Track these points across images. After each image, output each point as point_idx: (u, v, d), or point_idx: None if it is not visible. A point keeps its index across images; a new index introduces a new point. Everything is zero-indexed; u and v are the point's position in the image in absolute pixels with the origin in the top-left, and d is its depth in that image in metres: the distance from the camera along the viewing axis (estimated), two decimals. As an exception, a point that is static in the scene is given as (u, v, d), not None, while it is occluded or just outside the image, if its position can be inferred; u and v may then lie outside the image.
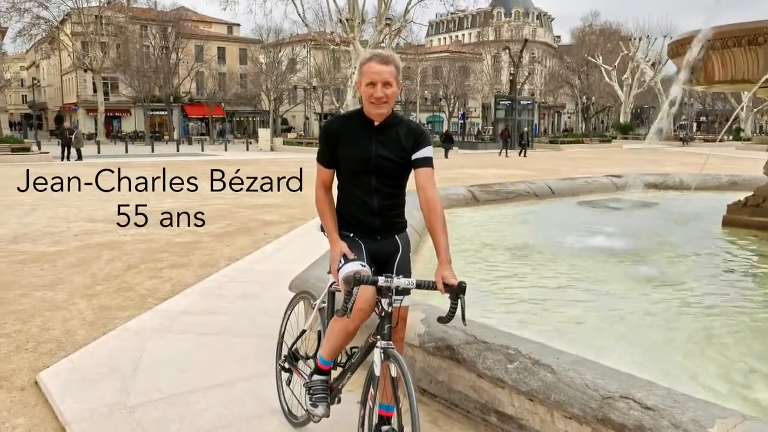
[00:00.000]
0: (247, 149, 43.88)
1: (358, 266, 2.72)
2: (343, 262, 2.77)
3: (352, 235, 2.89)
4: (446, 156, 34.34)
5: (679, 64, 8.04)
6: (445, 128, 60.41)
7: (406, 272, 2.91)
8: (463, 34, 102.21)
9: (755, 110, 70.95)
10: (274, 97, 64.95)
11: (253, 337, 4.68)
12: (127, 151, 37.25)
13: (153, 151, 38.46)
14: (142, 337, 4.70)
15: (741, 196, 11.99)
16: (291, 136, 59.08)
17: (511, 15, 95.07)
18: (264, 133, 47.21)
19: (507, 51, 64.33)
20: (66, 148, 28.83)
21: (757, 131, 79.71)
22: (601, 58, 68.31)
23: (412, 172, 2.83)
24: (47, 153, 29.50)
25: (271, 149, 43.34)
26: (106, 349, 4.46)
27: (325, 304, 3.18)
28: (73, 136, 29.14)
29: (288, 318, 3.54)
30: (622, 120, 70.45)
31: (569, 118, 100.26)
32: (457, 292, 2.52)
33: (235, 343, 4.55)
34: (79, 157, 28.54)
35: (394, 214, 2.93)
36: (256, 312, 5.29)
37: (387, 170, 2.80)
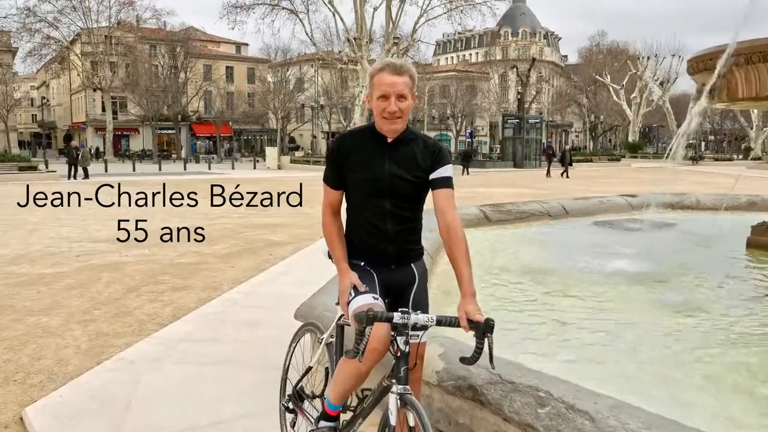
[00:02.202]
0: (254, 167, 43.82)
1: (370, 299, 2.44)
2: (353, 294, 2.49)
3: (363, 263, 2.61)
4: (467, 173, 35.57)
5: (699, 80, 7.77)
6: (454, 147, 60.36)
7: (424, 305, 2.63)
8: (471, 54, 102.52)
9: (765, 129, 70.54)
10: (282, 116, 65.08)
11: (257, 369, 4.38)
12: (134, 170, 37.18)
13: (160, 169, 38.45)
14: (138, 367, 4.40)
15: (762, 216, 11.77)
16: (298, 154, 59.14)
17: (518, 34, 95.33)
18: (271, 152, 47.18)
19: (515, 70, 64.34)
20: (73, 167, 28.75)
21: (767, 150, 79.18)
22: (609, 77, 68.22)
23: (429, 193, 2.56)
24: (54, 172, 29.45)
25: (279, 168, 43.24)
26: (99, 381, 4.17)
27: (334, 339, 2.88)
28: (80, 155, 29.07)
29: (293, 352, 3.24)
30: (630, 139, 70.20)
31: (576, 137, 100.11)
32: (483, 330, 2.22)
33: (236, 375, 4.25)
34: (86, 176, 28.45)
35: (410, 240, 2.64)
36: (259, 340, 4.99)
37: (402, 191, 2.52)
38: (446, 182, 2.51)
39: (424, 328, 2.36)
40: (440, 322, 2.29)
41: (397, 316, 2.25)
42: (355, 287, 2.50)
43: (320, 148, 69.68)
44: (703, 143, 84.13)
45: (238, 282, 7.17)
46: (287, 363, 3.25)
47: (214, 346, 4.87)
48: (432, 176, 2.51)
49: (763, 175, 37.85)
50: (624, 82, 67.20)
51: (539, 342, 4.33)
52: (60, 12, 52.26)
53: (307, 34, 41.47)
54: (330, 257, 2.73)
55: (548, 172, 35.14)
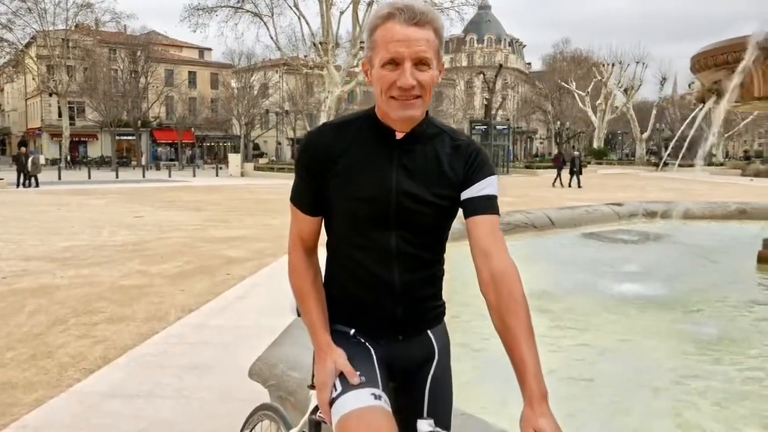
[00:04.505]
0: (217, 175, 42.41)
1: (367, 399, 1.49)
2: (339, 388, 1.54)
3: (352, 332, 1.67)
4: None
5: (705, 79, 7.02)
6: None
7: (446, 395, 1.72)
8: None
9: (726, 135, 71.57)
10: (246, 122, 63.56)
11: (201, 437, 3.38)
12: (90, 177, 35.51)
13: (117, 177, 36.87)
14: (44, 439, 3.37)
15: (749, 224, 11.14)
16: (262, 161, 57.72)
17: (484, 41, 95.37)
18: (234, 159, 45.81)
19: (481, 76, 64.06)
20: (23, 175, 27.11)
21: (726, 156, 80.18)
22: (574, 83, 68.40)
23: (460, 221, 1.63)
24: (1, 179, 27.73)
25: (242, 175, 41.92)
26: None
27: (304, 437, 1.92)
28: (29, 162, 27.41)
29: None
30: (595, 145, 70.40)
31: (541, 143, 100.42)
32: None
33: (173, 450, 3.25)
34: (36, 184, 26.85)
35: (427, 296, 1.70)
36: (208, 394, 3.98)
37: (416, 219, 1.59)
38: (489, 205, 1.58)
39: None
40: None
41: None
42: (341, 376, 1.56)
43: (285, 155, 68.34)
44: (664, 149, 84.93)
45: (187, 310, 6.12)
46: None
47: (149, 403, 3.84)
48: (466, 194, 1.59)
49: (731, 180, 38.02)
50: (589, 89, 67.38)
51: (564, 382, 3.42)
52: (14, 13, 50.24)
53: (271, 38, 40.53)
54: (299, 314, 1.79)
55: (560, 181, 30.89)
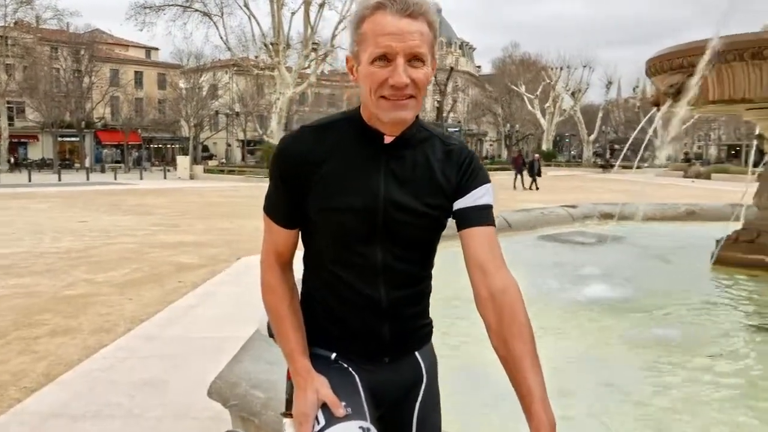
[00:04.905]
0: (165, 177, 41.43)
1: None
2: (323, 422, 1.38)
3: (334, 356, 1.51)
4: None
5: (661, 82, 7.08)
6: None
7: (435, 423, 1.57)
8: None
9: (669, 138, 73.66)
10: (195, 124, 62.38)
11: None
12: (30, 180, 34.22)
13: (60, 179, 35.62)
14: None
15: (700, 225, 11.39)
16: (212, 163, 56.69)
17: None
18: (183, 161, 44.82)
19: (433, 79, 64.46)
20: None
21: (668, 158, 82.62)
22: (523, 87, 69.48)
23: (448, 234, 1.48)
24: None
25: (191, 177, 41.06)
26: None
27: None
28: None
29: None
30: (544, 147, 71.62)
31: (491, 145, 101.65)
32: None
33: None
34: (-28, 188, 25.70)
35: (415, 314, 1.55)
36: (162, 412, 3.75)
37: (405, 231, 1.44)
38: (485, 215, 1.45)
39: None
40: None
41: None
42: (324, 407, 1.39)
43: (235, 157, 67.33)
44: (609, 152, 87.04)
45: (137, 321, 5.83)
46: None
47: (97, 425, 3.58)
48: (460, 204, 1.45)
49: (674, 182, 39.14)
50: (538, 92, 68.56)
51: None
52: (-52, 9, 48.15)
53: (221, 38, 39.86)
54: (274, 339, 1.63)
55: (521, 183, 30.50)
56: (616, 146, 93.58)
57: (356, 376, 1.47)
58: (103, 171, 50.33)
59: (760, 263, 6.86)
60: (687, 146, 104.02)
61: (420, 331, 1.57)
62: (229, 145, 69.58)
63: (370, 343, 1.49)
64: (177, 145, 68.87)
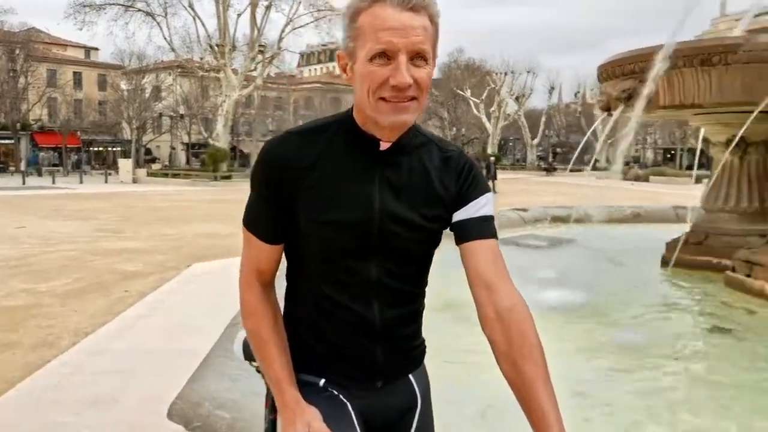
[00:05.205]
0: (106, 181, 40.15)
1: None
2: None
3: (323, 383, 1.38)
4: None
5: (612, 88, 7.18)
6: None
7: None
8: (334, 66, 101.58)
9: (609, 141, 75.77)
10: (137, 126, 60.71)
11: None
12: (-40, 185, 32.68)
13: (-7, 184, 34.13)
14: None
15: (645, 228, 11.67)
16: (155, 167, 55.35)
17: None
18: (125, 164, 43.58)
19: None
20: None
21: (607, 161, 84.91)
22: (469, 91, 70.31)
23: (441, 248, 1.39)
24: None
25: (134, 181, 39.94)
26: None
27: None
28: None
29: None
30: (489, 150, 72.53)
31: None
32: None
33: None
34: None
35: (409, 335, 1.45)
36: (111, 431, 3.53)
37: (402, 245, 1.34)
38: (488, 227, 1.36)
39: None
40: None
41: None
42: None
43: (179, 160, 65.88)
44: (552, 155, 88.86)
45: (83, 333, 5.54)
46: None
47: (43, 448, 3.35)
48: (460, 215, 1.36)
49: (615, 184, 40.14)
50: (483, 97, 69.47)
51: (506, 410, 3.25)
52: None
53: (165, 38, 38.85)
54: (253, 364, 1.50)
55: None
56: (559, 150, 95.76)
57: (348, 404, 1.36)
58: (39, 175, 48.54)
59: (708, 264, 7.03)
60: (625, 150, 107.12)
61: (413, 352, 1.47)
62: (173, 148, 68.09)
63: (362, 366, 1.37)
64: (118, 148, 66.95)
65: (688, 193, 24.25)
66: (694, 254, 7.21)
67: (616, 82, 6.93)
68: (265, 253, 1.37)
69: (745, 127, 5.40)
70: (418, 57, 1.21)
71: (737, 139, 5.64)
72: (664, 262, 7.43)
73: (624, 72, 6.77)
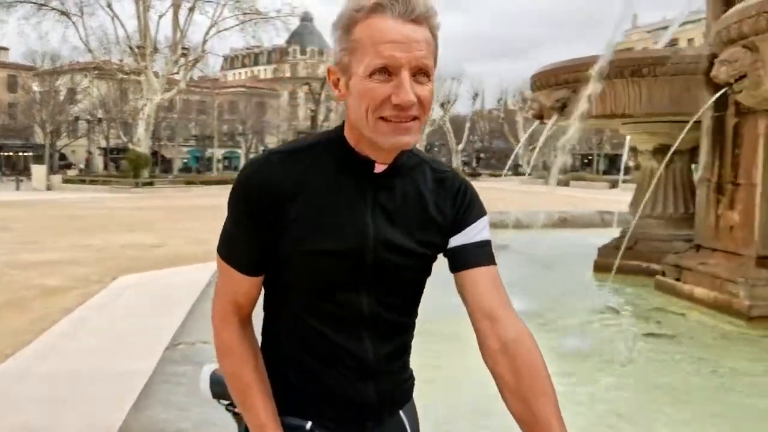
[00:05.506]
0: (18, 188, 38.11)
1: None
2: None
3: (309, 426, 1.27)
4: None
5: (544, 98, 7.35)
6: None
7: None
8: (259, 70, 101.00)
9: (530, 147, 78.14)
10: (51, 130, 57.98)
11: None
12: None
13: None
14: None
15: (573, 233, 12.01)
16: (71, 173, 53.01)
17: (307, 53, 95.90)
18: (39, 170, 41.46)
19: (305, 87, 64.44)
20: None
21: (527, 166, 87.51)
22: (395, 96, 71.06)
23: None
24: None
25: (48, 188, 38.06)
26: None
27: None
28: None
29: None
30: (416, 156, 73.52)
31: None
32: None
33: None
34: None
35: (399, 368, 1.36)
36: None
37: (397, 274, 1.25)
38: (486, 253, 1.29)
39: None
40: None
41: None
42: None
43: (97, 166, 63.34)
44: (476, 160, 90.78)
45: (2, 355, 5.16)
46: None
47: (-34, 488, 3.07)
48: (457, 241, 1.28)
49: (538, 189, 41.32)
50: (409, 102, 70.39)
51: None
52: None
53: (81, 39, 37.25)
54: (223, 402, 1.38)
55: None
56: (482, 155, 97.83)
57: None
58: (-58, 182, 45.64)
59: (638, 269, 7.28)
60: (545, 155, 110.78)
61: (404, 386, 1.38)
62: (90, 153, 65.42)
63: (352, 406, 1.27)
64: (31, 153, 63.74)
65: (606, 198, 25.27)
66: (625, 259, 7.44)
67: (550, 92, 7.09)
68: (245, 286, 1.25)
69: (679, 139, 5.61)
70: (420, 73, 1.13)
71: (672, 150, 5.85)
72: (597, 267, 7.63)
73: (558, 82, 6.94)
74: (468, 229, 1.28)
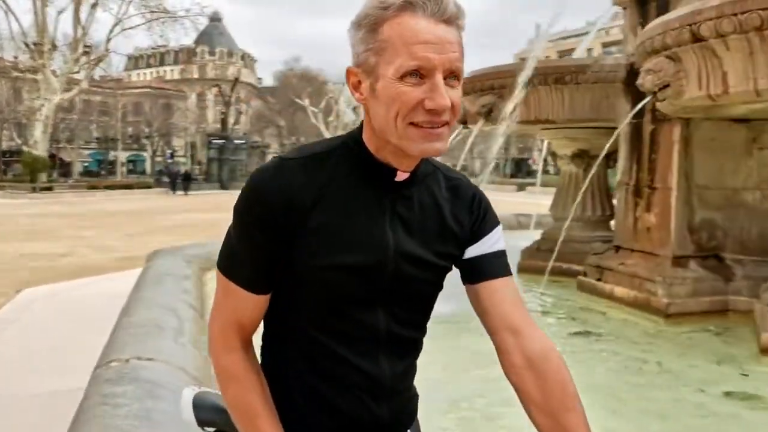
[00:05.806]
0: None
1: None
2: None
3: None
4: (186, 192, 36.95)
5: (468, 103, 7.45)
6: (151, 167, 57.05)
7: None
8: (165, 70, 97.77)
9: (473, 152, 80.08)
10: (-66, 132, 53.92)
11: None
12: None
13: None
14: None
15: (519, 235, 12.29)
16: (-41, 177, 49.45)
17: (216, 54, 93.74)
18: None
19: (214, 89, 63.03)
20: None
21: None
22: (307, 100, 70.59)
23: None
24: None
25: (-66, 194, 35.33)
26: None
27: None
28: None
29: None
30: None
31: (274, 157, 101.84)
32: None
33: None
34: None
35: (409, 386, 1.30)
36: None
37: (415, 288, 1.20)
38: (504, 264, 1.26)
39: None
40: None
41: None
42: None
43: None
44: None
45: None
46: None
47: None
48: (473, 251, 1.24)
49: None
50: (322, 105, 70.12)
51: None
52: None
53: (-31, 34, 34.78)
54: (207, 430, 1.27)
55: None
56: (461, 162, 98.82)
57: None
58: None
59: (559, 270, 7.50)
60: (466, 161, 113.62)
61: (410, 404, 1.32)
62: (-22, 156, 61.23)
63: (363, 429, 1.20)
64: None
65: (515, 200, 26.05)
66: (546, 260, 7.66)
67: (475, 97, 7.20)
68: (249, 305, 1.15)
69: (608, 145, 5.83)
70: (452, 76, 1.07)
71: (603, 154, 6.08)
72: (520, 269, 7.82)
73: (483, 88, 7.05)
74: (485, 239, 1.25)
